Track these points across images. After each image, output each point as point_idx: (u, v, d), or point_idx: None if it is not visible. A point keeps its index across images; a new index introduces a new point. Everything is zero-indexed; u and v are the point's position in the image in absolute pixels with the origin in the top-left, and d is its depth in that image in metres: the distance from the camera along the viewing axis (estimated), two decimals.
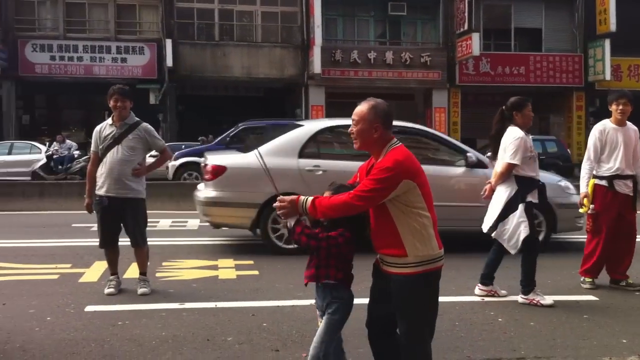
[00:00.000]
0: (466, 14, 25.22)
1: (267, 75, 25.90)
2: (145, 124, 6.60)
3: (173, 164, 18.31)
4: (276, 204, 3.43)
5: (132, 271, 7.00)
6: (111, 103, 6.41)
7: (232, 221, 8.76)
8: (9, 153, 20.51)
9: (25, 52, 23.97)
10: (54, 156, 20.70)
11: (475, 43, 24.75)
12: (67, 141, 22.06)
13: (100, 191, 6.42)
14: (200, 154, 15.65)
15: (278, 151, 8.40)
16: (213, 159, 8.76)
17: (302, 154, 8.53)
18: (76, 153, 21.53)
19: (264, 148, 8.33)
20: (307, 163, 8.48)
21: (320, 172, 8.36)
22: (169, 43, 24.10)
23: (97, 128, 6.60)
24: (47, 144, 22.01)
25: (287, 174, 8.17)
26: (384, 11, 26.78)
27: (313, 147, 8.69)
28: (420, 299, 3.35)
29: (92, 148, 6.58)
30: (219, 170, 8.46)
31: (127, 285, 6.60)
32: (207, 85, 26.35)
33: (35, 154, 20.58)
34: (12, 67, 23.75)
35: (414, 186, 3.27)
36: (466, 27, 25.22)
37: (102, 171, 6.41)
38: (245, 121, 18.66)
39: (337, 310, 3.49)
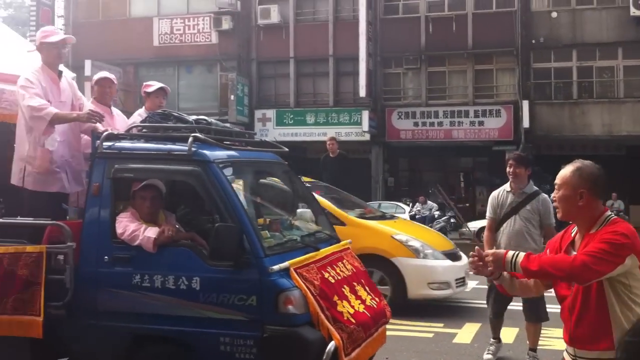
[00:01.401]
0: None
1: (630, 133, 24.27)
2: (544, 196, 6.36)
3: (474, 226, 18.00)
4: (471, 259, 3.05)
5: (504, 336, 7.11)
6: (507, 169, 6.39)
7: None
8: None
9: (392, 120, 26.14)
10: (416, 216, 22.04)
11: None
12: (429, 202, 23.36)
13: None
14: None
15: None
16: None
17: None
18: (436, 214, 22.64)
19: None
20: None
21: None
22: (525, 104, 24.15)
23: (494, 194, 6.56)
24: (410, 204, 23.56)
25: None
26: None
27: None
28: None
29: (489, 214, 6.53)
30: None
31: (501, 352, 6.73)
32: (563, 144, 25.67)
33: (399, 214, 22.06)
34: (380, 134, 26.05)
35: (637, 266, 2.84)
36: None
37: (500, 241, 6.36)
38: None
39: None
